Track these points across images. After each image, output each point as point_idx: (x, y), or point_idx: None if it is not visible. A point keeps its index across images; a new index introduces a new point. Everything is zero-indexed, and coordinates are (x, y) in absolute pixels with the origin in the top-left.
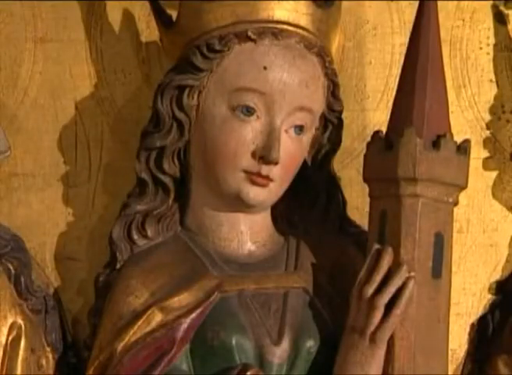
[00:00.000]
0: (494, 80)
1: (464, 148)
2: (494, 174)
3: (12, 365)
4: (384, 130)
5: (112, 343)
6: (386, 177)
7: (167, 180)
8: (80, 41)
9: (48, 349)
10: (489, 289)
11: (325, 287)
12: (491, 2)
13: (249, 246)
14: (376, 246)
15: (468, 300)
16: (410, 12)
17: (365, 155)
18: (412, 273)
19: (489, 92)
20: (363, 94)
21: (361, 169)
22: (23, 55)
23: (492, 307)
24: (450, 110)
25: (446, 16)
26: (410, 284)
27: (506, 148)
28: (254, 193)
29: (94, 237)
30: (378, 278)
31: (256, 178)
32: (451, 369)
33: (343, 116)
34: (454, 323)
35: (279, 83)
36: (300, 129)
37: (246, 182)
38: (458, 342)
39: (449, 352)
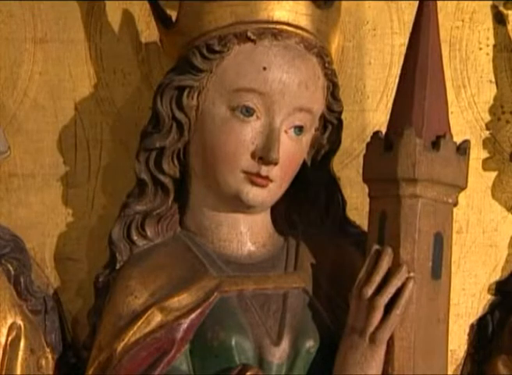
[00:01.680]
0: (493, 80)
1: (463, 149)
2: (494, 175)
3: (12, 365)
4: (383, 130)
5: (112, 343)
6: (386, 178)
7: (166, 180)
8: (79, 42)
9: (48, 350)
10: (489, 289)
11: (324, 288)
12: (490, 3)
13: (249, 246)
14: (376, 246)
15: (468, 300)
16: (409, 12)
17: (365, 156)
18: (412, 274)
19: (489, 93)
20: (362, 94)
21: (361, 170)
22: (23, 55)
23: (492, 307)
24: (450, 110)
25: (446, 16)
26: (410, 285)
27: (506, 148)
28: (253, 193)
29: (94, 238)
30: (377, 278)
31: (255, 179)
32: (451, 369)
33: (343, 116)
34: (454, 324)
35: (279, 83)
36: (299, 129)
37: (245, 182)
38: (458, 343)
39: (449, 353)
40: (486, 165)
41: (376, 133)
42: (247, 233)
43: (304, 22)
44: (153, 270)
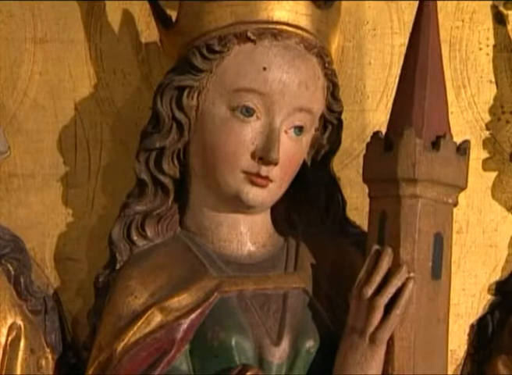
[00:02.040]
0: (493, 80)
1: (463, 149)
2: (494, 175)
3: (12, 365)
4: (383, 130)
5: (112, 343)
6: (386, 178)
7: (166, 180)
8: (79, 42)
9: (48, 350)
10: (489, 290)
11: (324, 288)
12: (490, 3)
13: (249, 247)
14: (376, 247)
15: (468, 300)
16: (409, 12)
17: (365, 156)
18: (412, 274)
19: (489, 93)
20: (362, 94)
21: (361, 170)
22: (23, 55)
23: (492, 308)
24: (450, 111)
25: (446, 16)
26: (410, 285)
27: (506, 148)
28: (253, 194)
29: (94, 238)
30: (377, 279)
31: (255, 179)
32: (451, 369)
33: (343, 116)
34: (454, 324)
35: (279, 83)
36: (299, 129)
37: (245, 183)
38: (458, 343)
39: (449, 353)
40: (486, 165)
41: (376, 133)
42: (247, 234)
43: (303, 22)
44: (153, 270)
